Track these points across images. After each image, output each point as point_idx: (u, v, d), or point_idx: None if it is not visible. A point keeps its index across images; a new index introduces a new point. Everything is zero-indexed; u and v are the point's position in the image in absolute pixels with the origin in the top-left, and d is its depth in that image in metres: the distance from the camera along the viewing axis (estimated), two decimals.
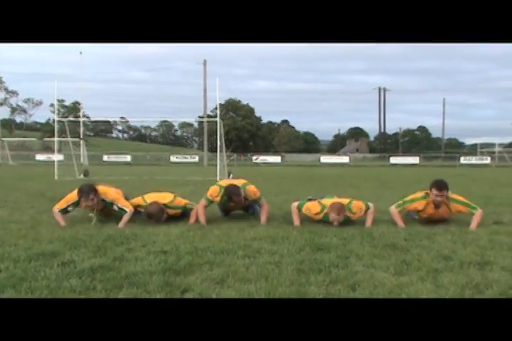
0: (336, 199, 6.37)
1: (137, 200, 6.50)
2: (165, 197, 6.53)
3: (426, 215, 6.33)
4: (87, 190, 6.08)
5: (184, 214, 6.63)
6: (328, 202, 6.25)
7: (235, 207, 6.63)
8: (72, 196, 6.23)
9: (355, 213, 6.21)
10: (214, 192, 6.42)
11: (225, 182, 6.66)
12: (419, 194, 6.32)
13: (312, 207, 6.30)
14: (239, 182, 6.61)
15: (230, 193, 6.22)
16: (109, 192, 6.38)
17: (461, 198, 6.27)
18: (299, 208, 6.33)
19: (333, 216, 6.03)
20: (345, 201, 6.26)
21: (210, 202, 6.49)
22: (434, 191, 6.04)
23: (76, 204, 6.23)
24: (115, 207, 6.26)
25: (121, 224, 6.05)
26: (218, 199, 6.40)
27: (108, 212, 6.45)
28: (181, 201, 6.59)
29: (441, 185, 6.05)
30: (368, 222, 6.18)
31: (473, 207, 6.18)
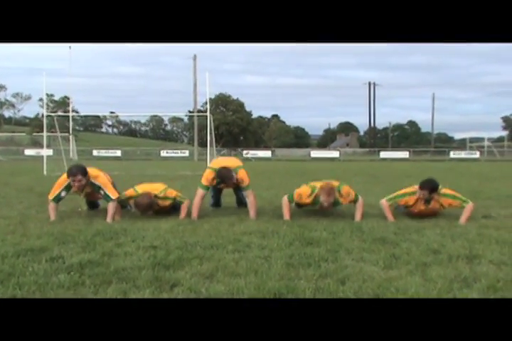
0: (325, 181, 6.32)
1: (129, 192, 6.48)
2: (156, 188, 6.54)
3: (417, 210, 6.39)
4: (76, 170, 6.08)
5: (174, 207, 6.61)
6: (317, 183, 6.24)
7: (227, 186, 6.76)
8: (63, 180, 6.22)
9: (344, 197, 6.18)
10: (209, 175, 6.44)
11: (218, 164, 6.62)
12: (410, 189, 6.38)
13: (302, 191, 6.28)
14: (232, 163, 6.64)
15: (223, 177, 6.33)
16: (100, 176, 6.35)
17: (451, 192, 6.33)
18: (290, 199, 6.30)
19: (324, 197, 6.00)
20: (335, 183, 6.23)
21: (207, 188, 6.53)
22: (418, 188, 6.19)
23: (68, 188, 6.20)
24: (101, 192, 6.23)
25: (108, 218, 6.02)
26: (214, 182, 6.48)
27: (95, 196, 6.46)
28: (172, 192, 6.58)
29: (423, 185, 6.17)
30: (357, 216, 6.18)
31: (464, 200, 6.25)
